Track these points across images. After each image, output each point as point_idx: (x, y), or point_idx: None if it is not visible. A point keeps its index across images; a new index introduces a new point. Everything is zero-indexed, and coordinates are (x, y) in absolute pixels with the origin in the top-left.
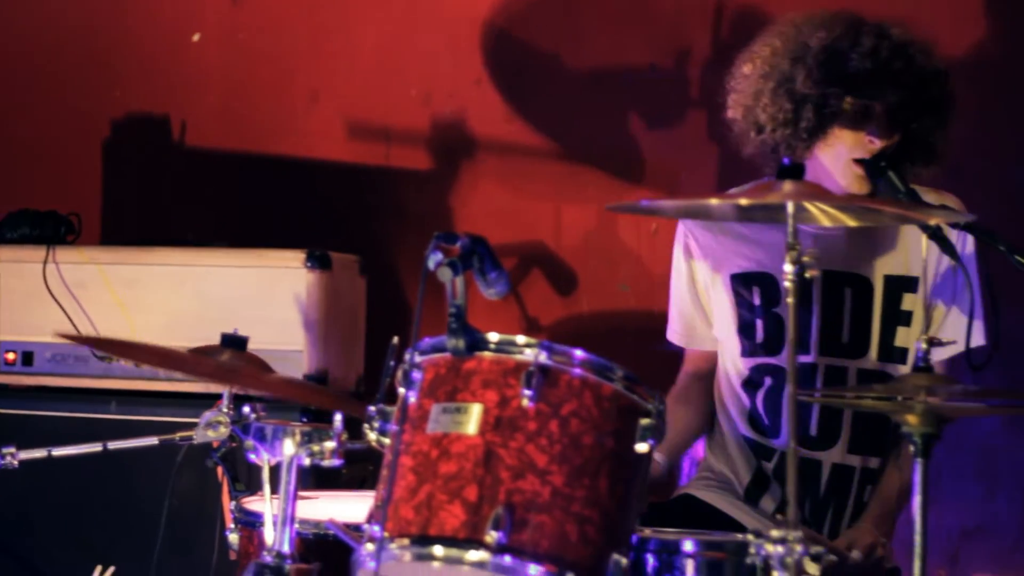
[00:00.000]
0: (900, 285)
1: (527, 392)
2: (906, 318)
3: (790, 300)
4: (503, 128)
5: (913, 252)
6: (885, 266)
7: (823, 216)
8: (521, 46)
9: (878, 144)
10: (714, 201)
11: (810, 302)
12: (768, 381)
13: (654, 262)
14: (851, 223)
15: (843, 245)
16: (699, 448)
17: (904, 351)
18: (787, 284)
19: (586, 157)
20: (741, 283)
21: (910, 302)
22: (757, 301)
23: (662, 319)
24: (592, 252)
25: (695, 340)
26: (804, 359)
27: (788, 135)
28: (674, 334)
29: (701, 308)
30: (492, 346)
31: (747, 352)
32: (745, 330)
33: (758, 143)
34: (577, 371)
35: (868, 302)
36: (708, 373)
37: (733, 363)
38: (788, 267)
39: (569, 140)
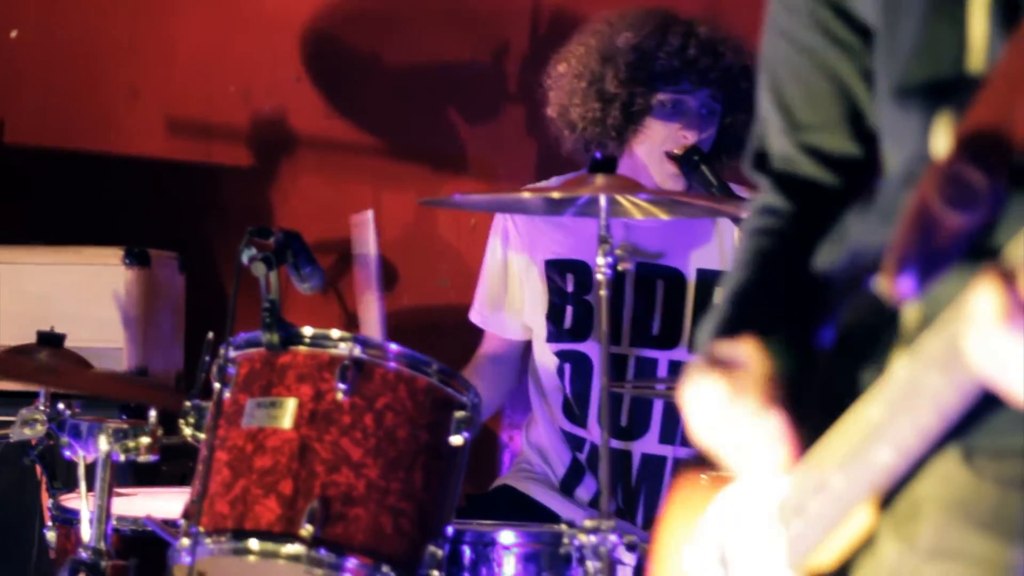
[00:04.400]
0: (713, 279)
1: (341, 386)
2: None
3: (602, 293)
4: (323, 125)
5: (727, 246)
6: (699, 260)
7: (635, 209)
8: (341, 43)
9: (690, 139)
10: (526, 195)
11: (622, 294)
12: (568, 368)
13: (473, 257)
14: (664, 216)
15: (657, 238)
16: (518, 441)
17: None
18: (599, 277)
19: (406, 153)
20: (555, 269)
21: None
22: (570, 288)
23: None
24: (412, 247)
25: (498, 324)
26: (615, 350)
27: (598, 133)
28: (478, 315)
29: (510, 293)
30: (307, 340)
31: (552, 338)
32: (553, 316)
33: (573, 141)
34: (392, 365)
35: (681, 295)
36: (503, 359)
37: (542, 350)
38: (600, 260)
39: (389, 136)
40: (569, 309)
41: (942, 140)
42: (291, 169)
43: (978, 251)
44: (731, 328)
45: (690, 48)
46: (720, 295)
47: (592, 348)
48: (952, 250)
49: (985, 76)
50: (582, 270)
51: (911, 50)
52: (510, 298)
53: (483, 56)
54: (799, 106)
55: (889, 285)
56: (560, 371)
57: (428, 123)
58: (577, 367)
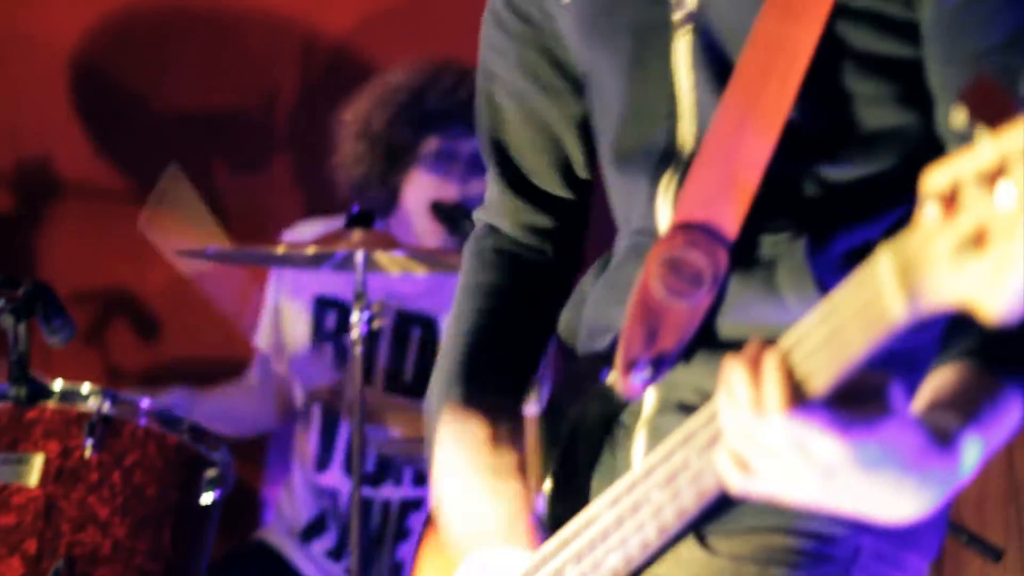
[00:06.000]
0: None
1: (89, 442)
2: None
3: (357, 351)
4: (89, 170)
5: None
6: None
7: (393, 265)
8: (108, 85)
9: (454, 190)
10: (280, 250)
11: (378, 338)
12: (319, 407)
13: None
14: (421, 272)
15: (420, 284)
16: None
17: None
18: (353, 335)
19: None
20: (321, 306)
21: None
22: (330, 326)
23: (250, 361)
24: (177, 296)
25: (276, 355)
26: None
27: (364, 176)
28: (261, 339)
29: (283, 331)
30: (56, 395)
31: None
32: (315, 352)
33: (346, 186)
34: (142, 421)
35: (435, 344)
36: (269, 383)
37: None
38: (355, 316)
39: (156, 183)
40: (328, 347)
41: (662, 214)
42: (55, 215)
43: (707, 332)
44: (463, 384)
45: (461, 90)
46: (444, 343)
47: (346, 387)
48: (680, 340)
49: (699, 146)
50: (344, 310)
51: (621, 113)
52: (284, 335)
53: (253, 101)
54: (512, 149)
55: (620, 383)
56: (310, 411)
57: (195, 170)
58: (327, 407)
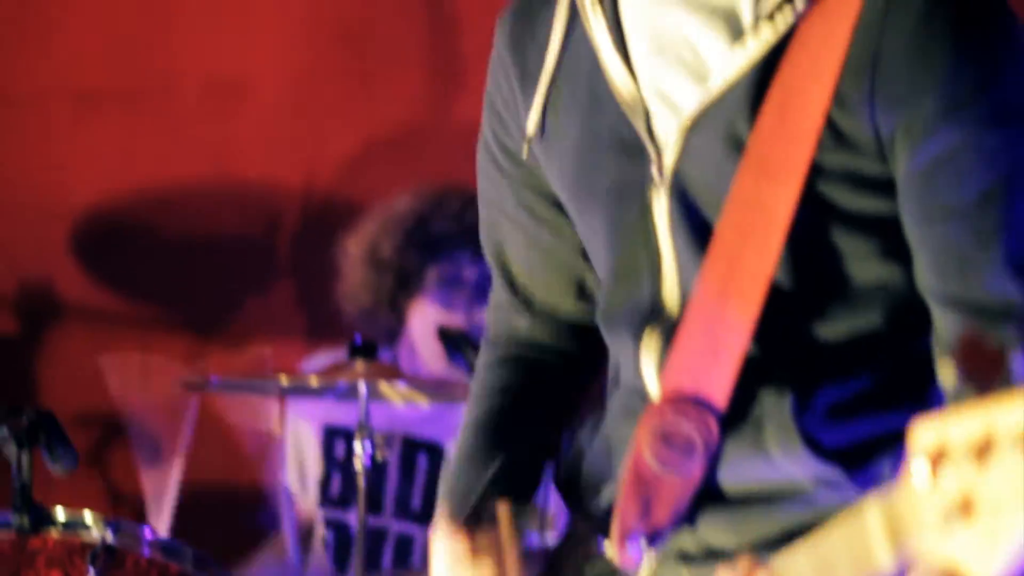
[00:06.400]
0: None
1: (92, 572)
2: None
3: (360, 483)
4: (90, 295)
5: None
6: None
7: (396, 395)
8: (109, 213)
9: (460, 318)
10: (284, 381)
11: (386, 464)
12: (330, 536)
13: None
14: (423, 403)
15: (427, 410)
16: None
17: None
18: (357, 467)
19: (175, 325)
20: (329, 435)
21: None
22: (339, 454)
23: (254, 490)
24: (179, 420)
25: (301, 487)
26: (376, 521)
27: (373, 303)
28: (289, 477)
29: (302, 453)
30: (59, 524)
31: (321, 502)
32: (323, 482)
33: (353, 313)
34: (145, 552)
35: (441, 470)
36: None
37: (315, 516)
38: (358, 448)
39: (157, 309)
40: (336, 477)
41: (648, 373)
42: (56, 339)
43: (705, 488)
44: (466, 494)
45: (466, 215)
46: (454, 451)
47: (355, 518)
48: (674, 512)
49: (683, 311)
50: (351, 438)
51: (607, 269)
52: (304, 467)
53: (254, 228)
54: (523, 276)
55: (617, 554)
56: (324, 541)
57: (197, 296)
58: (339, 536)
